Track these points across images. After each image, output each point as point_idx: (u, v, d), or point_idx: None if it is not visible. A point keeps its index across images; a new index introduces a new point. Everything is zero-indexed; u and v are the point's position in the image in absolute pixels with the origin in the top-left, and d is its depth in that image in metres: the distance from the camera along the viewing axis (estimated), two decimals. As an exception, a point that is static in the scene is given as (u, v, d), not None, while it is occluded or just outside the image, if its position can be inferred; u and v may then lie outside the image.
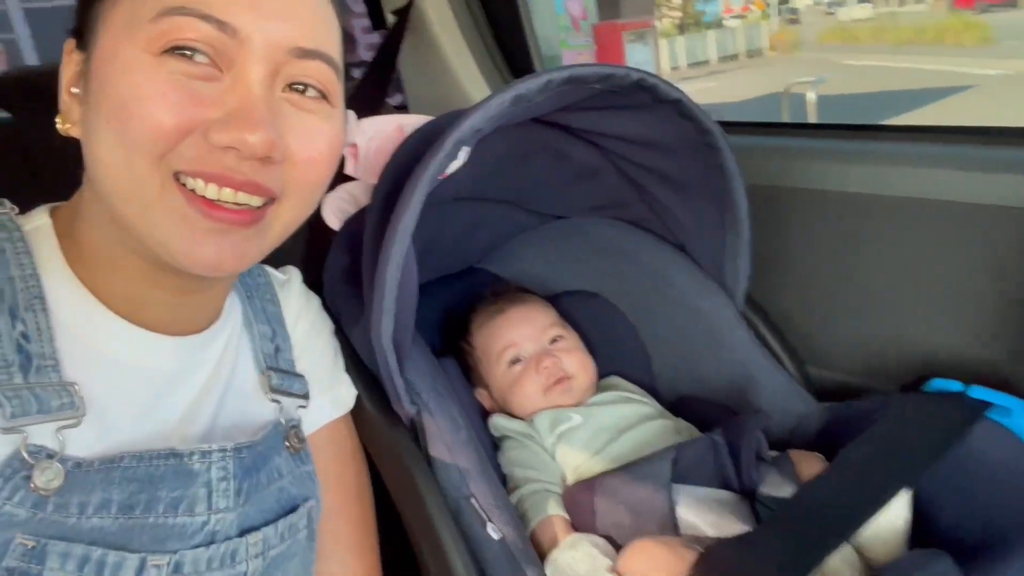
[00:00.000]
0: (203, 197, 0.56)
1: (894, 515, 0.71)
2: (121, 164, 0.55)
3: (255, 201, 0.58)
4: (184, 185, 0.55)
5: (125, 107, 0.53)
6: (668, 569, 0.66)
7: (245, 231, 0.58)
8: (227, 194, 0.56)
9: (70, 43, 0.60)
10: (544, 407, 0.98)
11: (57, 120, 0.60)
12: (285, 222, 0.62)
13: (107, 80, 0.55)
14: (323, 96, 0.61)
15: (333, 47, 0.61)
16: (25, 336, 0.56)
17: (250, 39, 0.55)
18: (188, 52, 0.54)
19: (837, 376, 1.05)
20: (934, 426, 0.76)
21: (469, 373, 1.08)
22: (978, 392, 0.79)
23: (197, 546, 0.61)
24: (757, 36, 17.42)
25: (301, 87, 0.59)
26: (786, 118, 5.67)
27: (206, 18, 0.54)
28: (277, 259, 0.75)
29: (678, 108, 0.86)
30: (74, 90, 0.59)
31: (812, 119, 5.13)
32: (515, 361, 1.02)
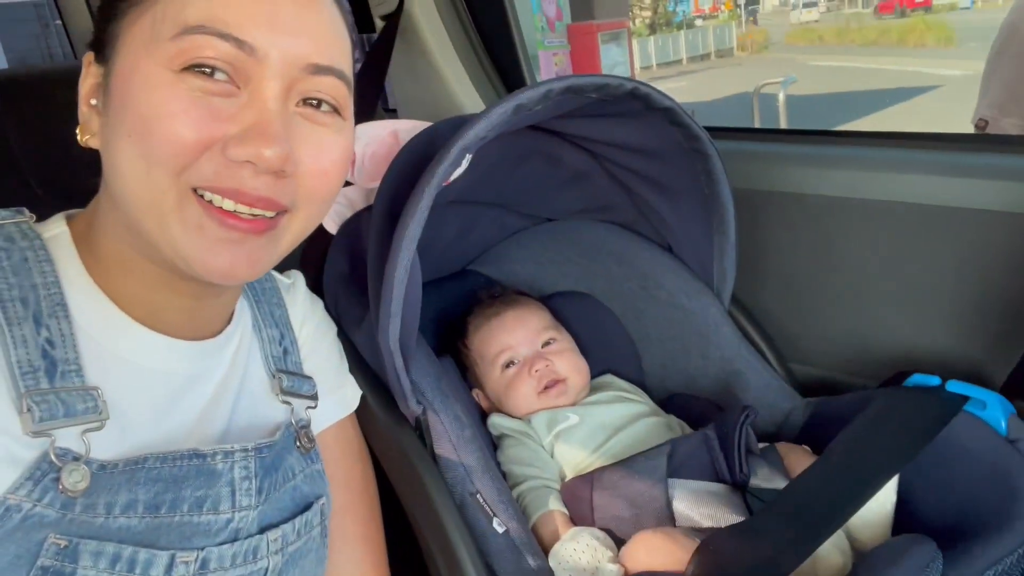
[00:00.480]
0: (219, 208, 0.58)
1: (882, 501, 0.75)
2: (141, 177, 0.56)
3: (268, 213, 0.60)
4: (202, 197, 0.57)
5: (147, 123, 0.55)
6: (671, 558, 0.69)
7: (258, 240, 0.60)
8: (242, 209, 0.58)
9: (88, 56, 0.62)
10: (539, 408, 1.01)
11: (77, 131, 0.62)
12: (296, 232, 0.64)
13: (128, 95, 0.56)
14: (335, 110, 0.63)
15: (345, 62, 0.63)
16: (50, 342, 0.57)
17: (267, 57, 0.57)
18: (208, 70, 0.56)
19: (820, 372, 1.09)
20: (915, 419, 0.80)
21: (466, 373, 1.10)
22: (956, 386, 0.83)
23: (222, 543, 0.63)
24: (727, 36, 17.61)
25: (315, 102, 0.61)
26: (757, 118, 5.75)
27: (225, 37, 0.56)
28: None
29: (669, 116, 0.89)
30: (93, 102, 0.61)
31: (782, 119, 5.21)
32: (509, 364, 1.04)
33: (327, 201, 0.65)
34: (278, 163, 0.57)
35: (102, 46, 0.60)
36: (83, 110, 0.62)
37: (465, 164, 0.82)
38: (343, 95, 0.63)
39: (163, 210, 0.57)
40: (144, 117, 0.55)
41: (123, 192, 0.58)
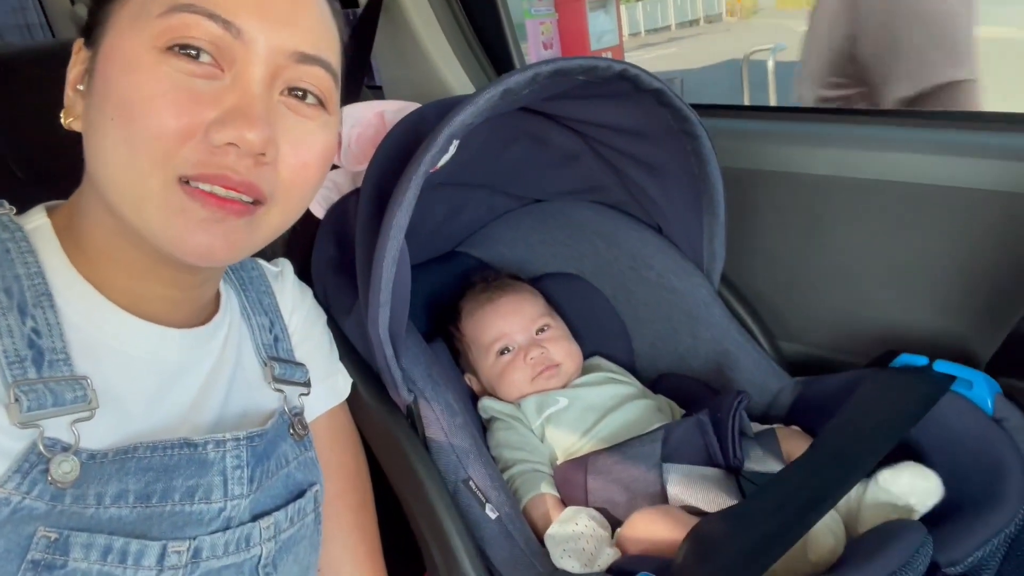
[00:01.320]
0: (200, 189, 0.57)
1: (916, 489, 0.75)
2: (124, 162, 0.55)
3: (245, 198, 0.59)
4: (187, 184, 0.56)
5: (129, 106, 0.54)
6: (669, 533, 0.70)
7: (237, 221, 0.59)
8: (219, 191, 0.57)
9: (79, 42, 0.61)
10: (530, 392, 1.01)
11: (61, 115, 0.61)
12: (274, 225, 0.63)
13: (111, 77, 0.55)
14: (320, 103, 0.62)
15: (333, 55, 0.63)
16: (36, 332, 0.57)
17: (254, 41, 0.56)
18: (193, 51, 0.55)
19: (809, 351, 1.09)
20: (903, 401, 0.81)
21: (458, 357, 1.10)
22: (943, 366, 0.84)
23: (214, 532, 0.63)
24: (715, 1, 17.44)
25: (300, 92, 0.60)
26: (746, 85, 5.71)
27: (212, 17, 0.55)
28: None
29: (658, 97, 0.88)
30: (79, 87, 0.60)
31: (771, 86, 5.17)
32: (504, 351, 1.04)
33: (306, 197, 0.65)
34: (260, 145, 0.56)
35: (91, 29, 0.60)
36: (69, 94, 0.61)
37: (452, 150, 0.81)
38: (329, 88, 0.62)
39: (145, 195, 0.56)
40: (126, 99, 0.54)
41: (105, 177, 0.57)
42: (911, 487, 0.75)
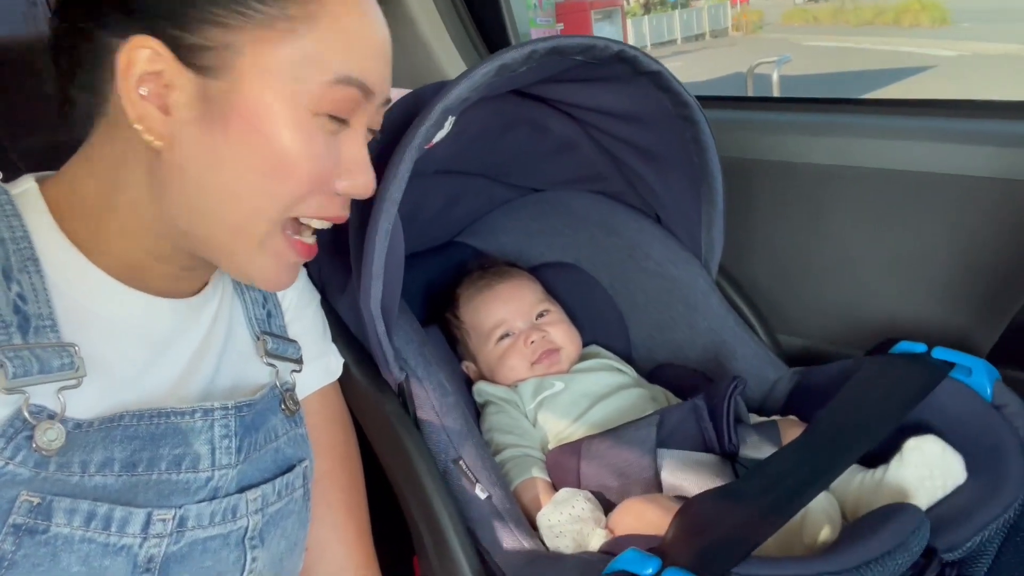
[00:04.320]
0: (300, 241, 0.63)
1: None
2: (252, 210, 0.59)
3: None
4: (292, 229, 0.63)
5: (283, 166, 0.57)
6: (658, 523, 0.69)
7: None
8: (320, 225, 0.64)
9: (143, 39, 0.55)
10: (529, 377, 1.00)
11: (137, 126, 0.56)
12: None
13: (262, 129, 0.56)
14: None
15: None
16: (21, 297, 0.56)
17: (375, 98, 0.62)
18: (344, 118, 0.60)
19: (807, 342, 1.09)
20: (900, 386, 0.80)
21: (455, 345, 1.10)
22: (941, 353, 0.83)
23: (200, 501, 0.62)
24: (721, 16, 17.52)
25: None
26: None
27: (364, 90, 0.60)
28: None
29: (656, 80, 0.88)
30: (143, 91, 0.56)
31: (776, 98, 5.19)
32: (504, 337, 1.04)
33: None
34: (371, 190, 0.64)
35: (191, 48, 0.55)
36: (133, 99, 0.55)
37: (448, 127, 0.80)
38: None
39: (252, 236, 0.60)
40: (281, 159, 0.57)
41: (218, 213, 0.59)
42: (942, 456, 0.74)
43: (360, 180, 0.63)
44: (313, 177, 0.59)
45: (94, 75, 0.58)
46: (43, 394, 0.55)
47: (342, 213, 0.64)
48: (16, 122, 1.15)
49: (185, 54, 0.56)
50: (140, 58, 0.55)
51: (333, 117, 0.59)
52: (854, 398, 0.81)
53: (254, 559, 0.67)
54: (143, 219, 0.61)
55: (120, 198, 0.61)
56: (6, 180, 0.65)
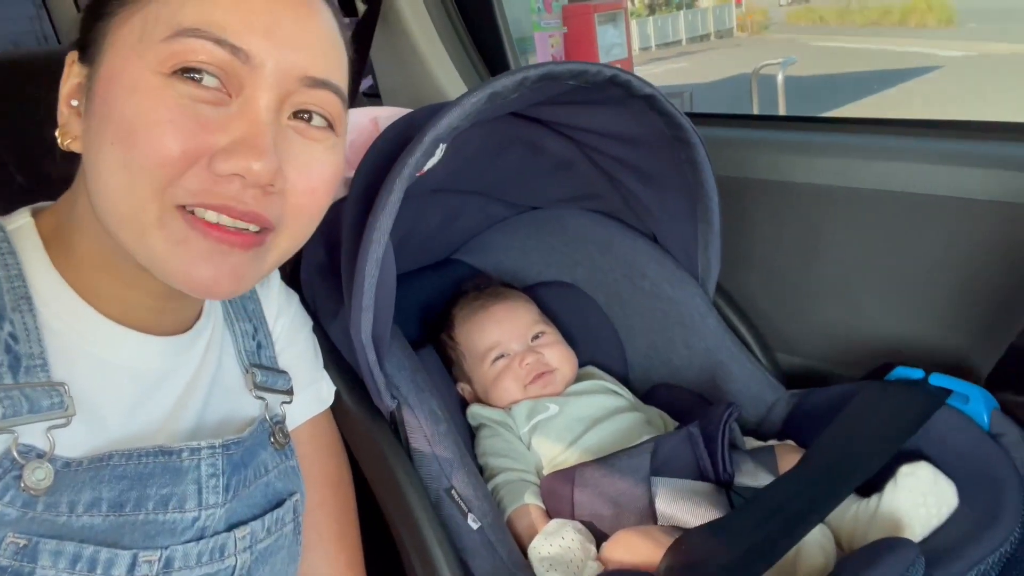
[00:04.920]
0: (203, 220, 0.55)
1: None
2: (123, 188, 0.54)
3: (252, 227, 0.58)
4: (187, 211, 0.55)
5: (131, 131, 0.53)
6: (650, 557, 0.68)
7: (244, 254, 0.57)
8: (226, 220, 0.56)
9: (72, 55, 0.59)
10: (523, 399, 1.00)
11: (56, 134, 0.59)
12: (282, 250, 0.62)
13: (113, 99, 0.54)
14: (329, 125, 0.61)
15: (341, 77, 0.61)
16: (13, 336, 0.56)
17: (263, 66, 0.55)
18: (198, 76, 0.54)
19: (804, 362, 1.08)
20: (897, 414, 0.79)
21: (450, 366, 1.09)
22: (939, 380, 0.82)
23: (187, 541, 0.62)
24: (726, 16, 17.47)
25: (307, 115, 0.59)
26: (756, 99, 5.71)
27: (220, 42, 0.53)
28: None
29: (651, 103, 0.87)
30: (74, 103, 0.59)
31: (781, 100, 5.17)
32: (499, 359, 1.03)
33: (314, 219, 0.63)
34: (267, 177, 0.55)
35: (86, 45, 0.58)
36: (63, 111, 0.59)
37: (439, 155, 0.80)
38: (338, 110, 0.61)
39: (144, 224, 0.55)
40: (129, 124, 0.53)
41: (103, 201, 0.56)
42: (935, 483, 0.73)
43: (243, 162, 0.53)
44: (169, 145, 0.52)
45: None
46: (32, 433, 0.55)
47: (236, 203, 0.55)
48: (16, 137, 1.15)
49: (83, 53, 0.58)
50: (70, 73, 0.59)
51: (191, 79, 0.53)
52: (850, 426, 0.80)
53: None
54: (103, 239, 0.59)
55: (85, 223, 0.60)
56: (6, 199, 0.65)
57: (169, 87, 0.53)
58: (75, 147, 0.58)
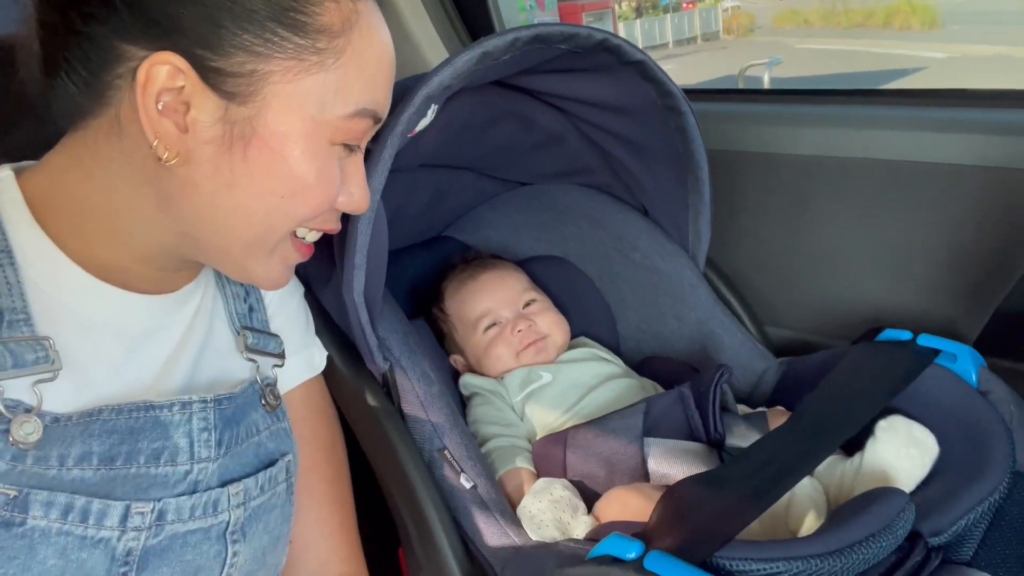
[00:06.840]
0: (303, 241, 0.67)
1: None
2: (265, 223, 0.60)
3: None
4: (294, 234, 0.65)
5: (300, 189, 0.59)
6: (640, 510, 0.69)
7: None
8: (314, 236, 0.67)
9: (165, 55, 0.53)
10: (516, 367, 1.00)
11: (154, 141, 0.55)
12: None
13: (285, 156, 0.58)
14: None
15: None
16: None
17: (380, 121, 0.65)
18: (356, 148, 0.64)
19: (794, 333, 1.09)
20: (885, 372, 0.80)
21: (442, 339, 1.09)
22: (927, 340, 0.83)
23: (180, 495, 0.62)
24: (712, 19, 17.56)
25: None
26: (742, 99, 5.73)
27: (376, 118, 0.63)
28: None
29: (641, 70, 0.88)
30: (160, 105, 0.54)
31: (767, 100, 5.19)
32: (490, 327, 1.03)
33: None
34: (366, 206, 0.68)
35: (218, 72, 0.54)
36: (152, 115, 0.54)
37: (431, 115, 0.80)
38: None
39: (264, 249, 0.62)
40: (300, 183, 0.59)
41: (235, 229, 0.60)
42: (910, 430, 0.75)
43: (357, 196, 0.66)
44: (324, 200, 0.61)
45: (92, 74, 0.56)
46: (18, 388, 0.55)
47: (337, 225, 0.68)
48: (7, 124, 1.15)
49: (210, 76, 0.55)
50: (161, 74, 0.53)
51: (346, 145, 0.62)
52: (839, 385, 0.81)
53: (235, 553, 0.66)
54: (139, 225, 0.60)
55: (118, 203, 0.60)
56: None
57: (335, 155, 0.61)
58: (181, 166, 0.56)
